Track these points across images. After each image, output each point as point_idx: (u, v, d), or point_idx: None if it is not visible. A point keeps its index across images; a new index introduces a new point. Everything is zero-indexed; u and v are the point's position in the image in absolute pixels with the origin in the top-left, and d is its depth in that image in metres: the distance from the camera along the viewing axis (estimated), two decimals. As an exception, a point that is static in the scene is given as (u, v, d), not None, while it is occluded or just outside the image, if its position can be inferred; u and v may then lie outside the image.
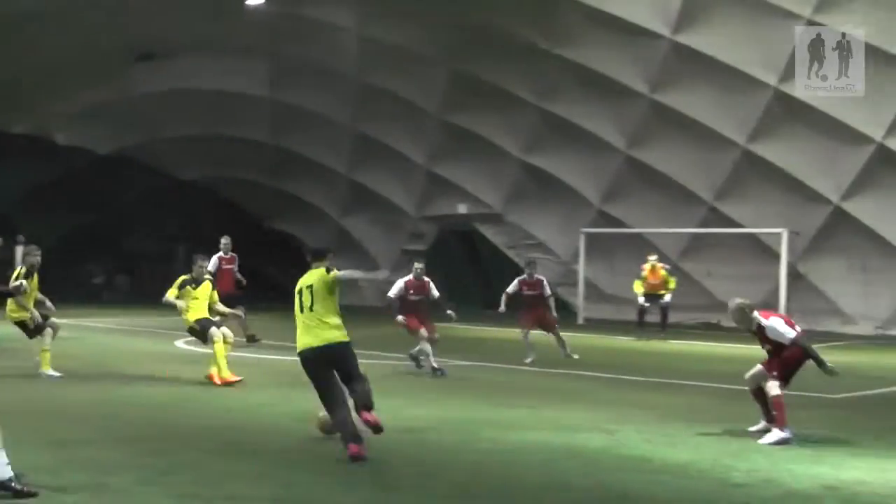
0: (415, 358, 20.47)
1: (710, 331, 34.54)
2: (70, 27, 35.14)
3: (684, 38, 32.12)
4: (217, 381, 17.71)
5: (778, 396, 13.34)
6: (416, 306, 20.69)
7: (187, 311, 18.57)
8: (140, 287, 44.95)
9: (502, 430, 13.50)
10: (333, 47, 37.56)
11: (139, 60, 38.23)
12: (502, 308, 23.61)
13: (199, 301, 18.71)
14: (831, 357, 25.68)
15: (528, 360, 22.31)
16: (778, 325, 13.77)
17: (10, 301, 17.74)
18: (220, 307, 19.14)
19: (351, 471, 10.90)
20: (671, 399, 17.08)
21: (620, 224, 38.04)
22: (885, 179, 31.91)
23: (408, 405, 15.55)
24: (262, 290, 48.19)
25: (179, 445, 12.06)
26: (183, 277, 18.77)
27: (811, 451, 12.34)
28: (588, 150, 37.27)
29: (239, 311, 21.56)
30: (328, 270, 12.27)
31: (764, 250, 35.04)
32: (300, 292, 12.30)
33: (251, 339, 25.47)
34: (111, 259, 47.05)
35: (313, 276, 12.34)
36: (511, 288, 23.53)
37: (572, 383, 19.28)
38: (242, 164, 45.24)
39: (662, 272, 30.78)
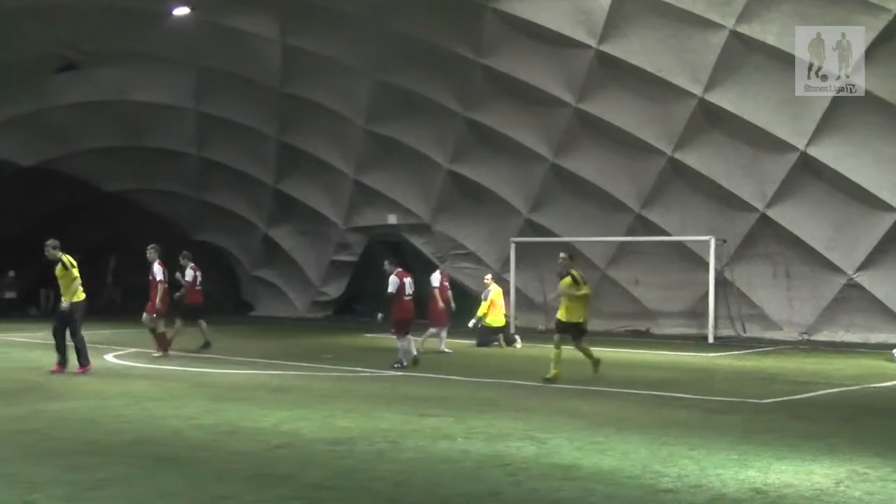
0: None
1: (638, 338, 34.76)
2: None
3: (609, 48, 32.28)
4: None
5: None
6: None
7: None
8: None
9: (431, 440, 13.46)
10: (258, 58, 37.52)
11: (59, 72, 37.83)
12: None
13: None
14: (760, 363, 26.02)
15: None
16: None
17: None
18: None
19: (280, 482, 10.82)
20: (600, 407, 17.10)
21: (548, 233, 38.16)
22: (808, 187, 32.23)
23: (337, 415, 15.49)
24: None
25: (108, 460, 11.91)
26: None
27: (739, 456, 12.40)
28: (515, 160, 37.39)
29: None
30: None
31: (691, 257, 35.25)
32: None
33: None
34: (35, 273, 46.35)
35: None
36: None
37: (499, 392, 19.27)
38: (167, 176, 45.01)
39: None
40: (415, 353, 23.77)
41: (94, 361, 23.37)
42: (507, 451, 12.75)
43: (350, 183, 42.58)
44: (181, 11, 34.80)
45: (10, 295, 45.51)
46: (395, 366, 23.17)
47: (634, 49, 32.06)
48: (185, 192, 46.12)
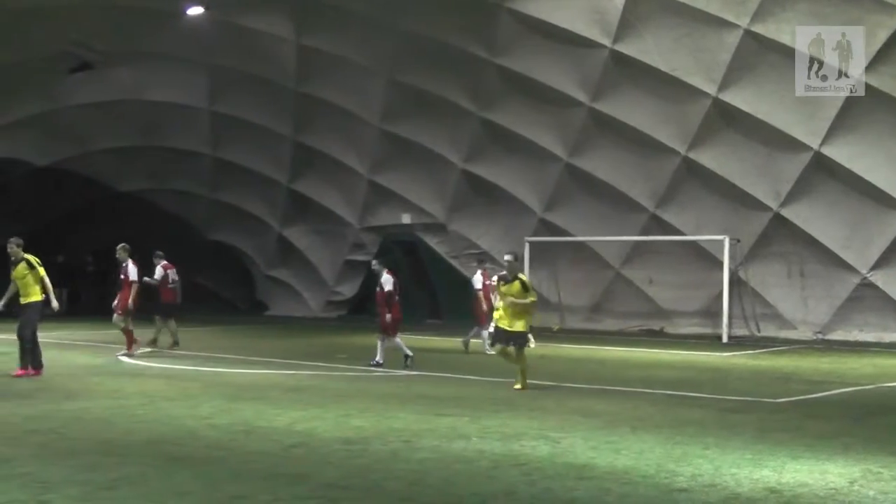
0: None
1: (653, 337, 34.73)
2: (3, 37, 34.85)
3: (623, 48, 32.26)
4: None
5: None
6: None
7: None
8: (77, 300, 44.53)
9: (446, 439, 13.46)
10: (272, 57, 37.54)
11: (73, 72, 37.90)
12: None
13: None
14: (775, 362, 25.97)
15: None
16: None
17: None
18: None
19: (295, 481, 10.83)
20: (614, 406, 17.07)
21: (562, 232, 38.14)
22: (822, 186, 32.19)
23: (352, 415, 15.50)
24: (203, 302, 48.25)
25: (123, 460, 11.92)
26: None
27: (753, 456, 12.38)
28: (529, 159, 37.37)
29: None
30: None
31: (705, 257, 35.22)
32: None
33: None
34: (48, 272, 46.32)
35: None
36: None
37: (514, 392, 19.23)
38: (181, 176, 45.04)
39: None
40: (379, 357, 23.73)
41: (109, 361, 23.47)
42: (522, 450, 12.75)
43: (364, 182, 42.59)
44: (195, 11, 34.86)
45: None
46: (408, 363, 23.22)
47: (649, 48, 32.04)
48: (199, 192, 46.17)
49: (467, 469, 11.60)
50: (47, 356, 21.38)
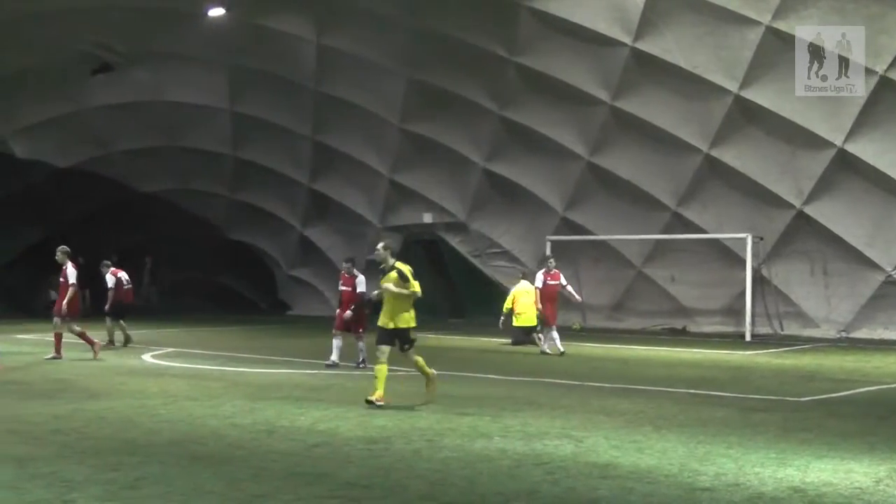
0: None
1: (675, 336, 34.65)
2: (26, 40, 34.98)
3: (644, 46, 32.17)
4: None
5: None
6: None
7: None
8: (101, 301, 44.63)
9: (468, 439, 13.44)
10: (293, 58, 37.55)
11: (95, 74, 38.00)
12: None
13: None
14: (798, 361, 25.86)
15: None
16: None
17: None
18: None
19: (317, 481, 10.82)
20: (637, 405, 17.02)
21: (584, 231, 38.07)
22: (846, 183, 32.04)
23: (374, 414, 15.49)
24: (225, 302, 48.33)
25: (145, 459, 11.93)
26: None
27: (777, 455, 12.34)
28: (550, 158, 37.29)
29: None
30: None
31: (728, 255, 35.12)
32: None
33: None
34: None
35: None
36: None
37: (536, 391, 19.22)
38: (203, 176, 45.09)
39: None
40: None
41: (132, 361, 23.51)
42: (544, 449, 12.73)
43: (385, 182, 42.59)
44: (216, 12, 34.91)
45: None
46: (361, 365, 23.38)
47: (670, 46, 31.94)
48: (220, 192, 46.25)
49: (490, 468, 11.58)
50: (69, 356, 21.41)
